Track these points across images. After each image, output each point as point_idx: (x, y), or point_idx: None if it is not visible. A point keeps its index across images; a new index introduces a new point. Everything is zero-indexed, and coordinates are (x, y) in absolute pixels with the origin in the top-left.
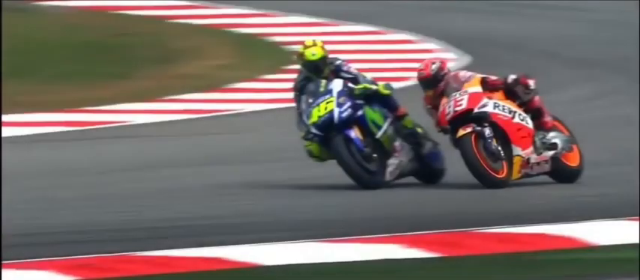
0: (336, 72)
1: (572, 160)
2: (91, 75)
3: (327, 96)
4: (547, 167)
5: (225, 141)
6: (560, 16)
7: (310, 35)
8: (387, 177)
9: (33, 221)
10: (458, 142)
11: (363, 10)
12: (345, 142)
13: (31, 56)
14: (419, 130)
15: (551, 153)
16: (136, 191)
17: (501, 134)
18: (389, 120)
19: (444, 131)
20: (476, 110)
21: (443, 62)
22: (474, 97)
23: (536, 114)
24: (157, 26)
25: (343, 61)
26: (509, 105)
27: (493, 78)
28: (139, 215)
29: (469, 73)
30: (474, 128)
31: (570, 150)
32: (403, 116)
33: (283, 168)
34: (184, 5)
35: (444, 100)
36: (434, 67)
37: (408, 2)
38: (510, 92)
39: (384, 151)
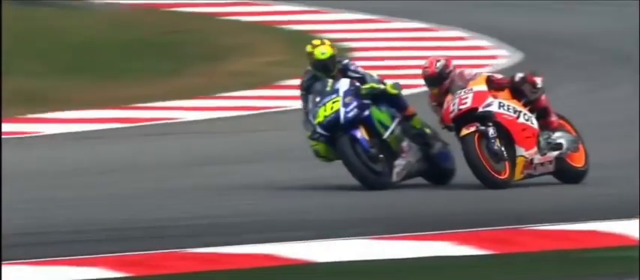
0: (344, 71)
1: (578, 161)
2: (141, 72)
3: (334, 96)
4: (551, 167)
5: (273, 138)
6: (609, 11)
7: (362, 32)
8: (394, 177)
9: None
10: (461, 141)
11: (414, 6)
12: (351, 142)
13: (82, 54)
14: (427, 131)
15: (555, 153)
16: (185, 187)
17: (505, 134)
18: (397, 121)
19: (448, 128)
20: (480, 109)
21: (448, 60)
22: (478, 96)
23: (542, 113)
24: (208, 23)
25: (351, 60)
26: (515, 104)
27: (499, 76)
28: (190, 212)
29: (474, 71)
30: (477, 127)
31: (576, 150)
32: (411, 116)
33: (331, 165)
34: (235, 2)
35: (449, 98)
36: (439, 64)
37: None
38: (517, 90)
39: (391, 152)
